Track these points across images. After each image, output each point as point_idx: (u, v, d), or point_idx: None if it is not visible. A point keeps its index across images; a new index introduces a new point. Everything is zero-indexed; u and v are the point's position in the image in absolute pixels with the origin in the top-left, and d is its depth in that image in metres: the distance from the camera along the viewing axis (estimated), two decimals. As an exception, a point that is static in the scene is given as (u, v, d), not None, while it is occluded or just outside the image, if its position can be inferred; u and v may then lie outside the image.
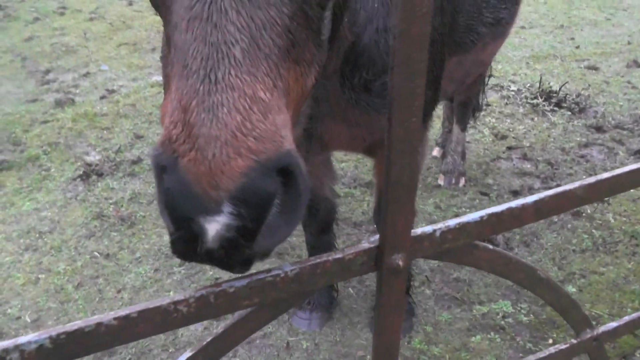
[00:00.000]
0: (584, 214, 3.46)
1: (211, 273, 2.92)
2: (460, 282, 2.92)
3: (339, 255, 0.85)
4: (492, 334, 2.62)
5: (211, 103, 0.77)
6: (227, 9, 0.81)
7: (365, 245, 0.86)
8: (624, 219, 3.43)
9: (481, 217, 0.95)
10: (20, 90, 5.01)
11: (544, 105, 4.86)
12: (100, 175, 3.76)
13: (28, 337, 0.68)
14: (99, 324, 0.71)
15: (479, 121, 4.60)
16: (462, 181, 3.76)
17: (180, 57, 0.82)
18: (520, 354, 2.50)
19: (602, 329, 1.38)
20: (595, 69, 5.82)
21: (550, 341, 2.57)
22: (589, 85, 5.38)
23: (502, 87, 5.27)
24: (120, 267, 2.94)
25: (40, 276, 2.89)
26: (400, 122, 0.74)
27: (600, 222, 3.39)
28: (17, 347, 0.67)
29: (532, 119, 4.70)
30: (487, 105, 4.92)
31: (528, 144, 4.29)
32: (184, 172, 0.76)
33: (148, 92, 4.92)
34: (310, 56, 0.94)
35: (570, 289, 2.89)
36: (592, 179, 1.10)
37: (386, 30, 1.70)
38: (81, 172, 3.74)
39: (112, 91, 4.99)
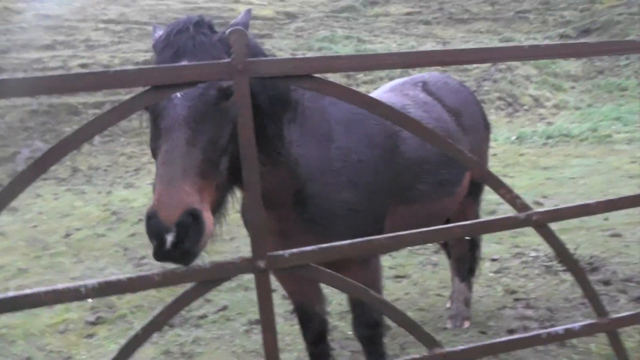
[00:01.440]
0: (568, 344, 3.96)
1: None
2: None
3: (234, 260, 1.75)
4: None
5: (167, 192, 1.82)
6: (173, 160, 1.88)
7: (246, 256, 1.76)
8: (604, 346, 3.89)
9: (313, 249, 1.81)
10: (120, 271, 6.30)
11: (557, 266, 5.48)
12: (172, 327, 4.74)
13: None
14: (119, 280, 1.65)
15: (495, 282, 5.28)
16: (466, 324, 4.39)
17: (157, 177, 1.89)
18: None
19: (447, 349, 2.07)
20: (619, 235, 6.37)
21: None
22: (607, 249, 5.94)
23: (523, 254, 5.94)
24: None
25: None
26: (247, 176, 1.70)
27: (581, 349, 3.88)
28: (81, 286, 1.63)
29: (544, 278, 5.30)
30: (506, 268, 5.61)
31: (534, 296, 4.88)
32: (158, 217, 1.77)
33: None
34: (212, 175, 2.00)
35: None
36: (394, 234, 1.92)
37: (325, 183, 2.70)
38: (157, 325, 4.74)
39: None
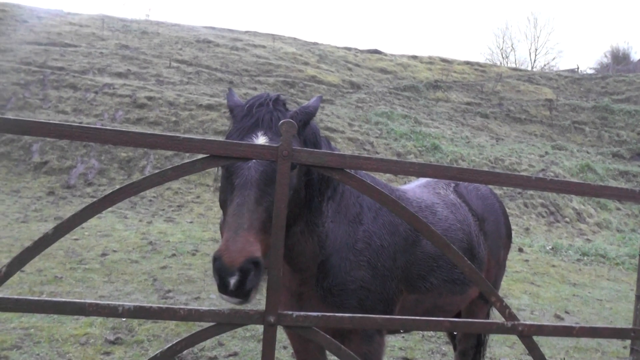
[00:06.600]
0: None
1: None
2: None
3: (249, 311, 2.03)
4: None
5: (233, 240, 2.14)
6: (242, 213, 2.23)
7: (259, 308, 2.04)
8: None
9: (317, 315, 2.08)
10: (145, 299, 6.62)
11: (562, 382, 5.52)
12: (181, 361, 5.00)
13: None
14: (145, 307, 1.96)
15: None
16: (460, 419, 4.49)
17: (227, 225, 2.23)
18: None
19: None
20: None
21: None
22: (617, 374, 5.94)
23: (531, 364, 6.00)
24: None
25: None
26: (274, 240, 2.01)
27: None
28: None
29: (547, 390, 5.34)
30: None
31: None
32: (222, 261, 2.09)
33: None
34: (268, 228, 2.28)
35: None
36: (389, 317, 2.18)
37: (347, 259, 2.98)
38: (168, 357, 5.00)
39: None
